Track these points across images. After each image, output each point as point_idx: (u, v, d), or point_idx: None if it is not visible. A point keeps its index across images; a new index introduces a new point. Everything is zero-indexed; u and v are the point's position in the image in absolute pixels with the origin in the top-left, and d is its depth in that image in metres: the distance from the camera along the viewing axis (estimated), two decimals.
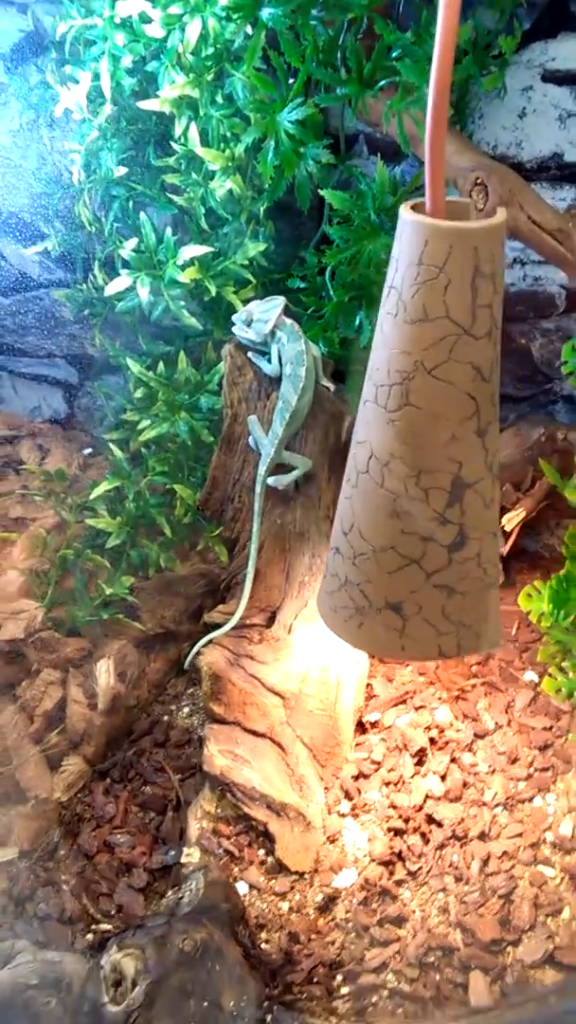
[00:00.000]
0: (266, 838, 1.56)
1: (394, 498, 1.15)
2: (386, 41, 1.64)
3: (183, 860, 1.50)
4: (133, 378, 2.13)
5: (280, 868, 1.54)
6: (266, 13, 1.63)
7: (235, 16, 1.67)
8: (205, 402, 2.03)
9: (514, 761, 1.74)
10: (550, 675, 1.74)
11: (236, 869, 1.53)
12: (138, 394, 2.10)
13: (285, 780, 1.63)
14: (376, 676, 1.90)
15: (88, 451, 2.71)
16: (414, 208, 1.00)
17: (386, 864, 1.57)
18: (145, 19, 1.74)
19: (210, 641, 1.76)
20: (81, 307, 2.34)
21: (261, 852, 1.55)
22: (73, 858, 1.62)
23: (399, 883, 1.55)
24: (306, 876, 1.55)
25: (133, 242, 1.96)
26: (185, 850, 1.52)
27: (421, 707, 1.84)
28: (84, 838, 1.64)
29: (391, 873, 1.56)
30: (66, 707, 1.78)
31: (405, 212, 1.02)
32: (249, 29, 1.70)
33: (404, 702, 1.86)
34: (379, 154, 2.14)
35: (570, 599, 1.72)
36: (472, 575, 1.22)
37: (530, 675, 1.90)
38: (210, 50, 1.75)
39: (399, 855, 1.58)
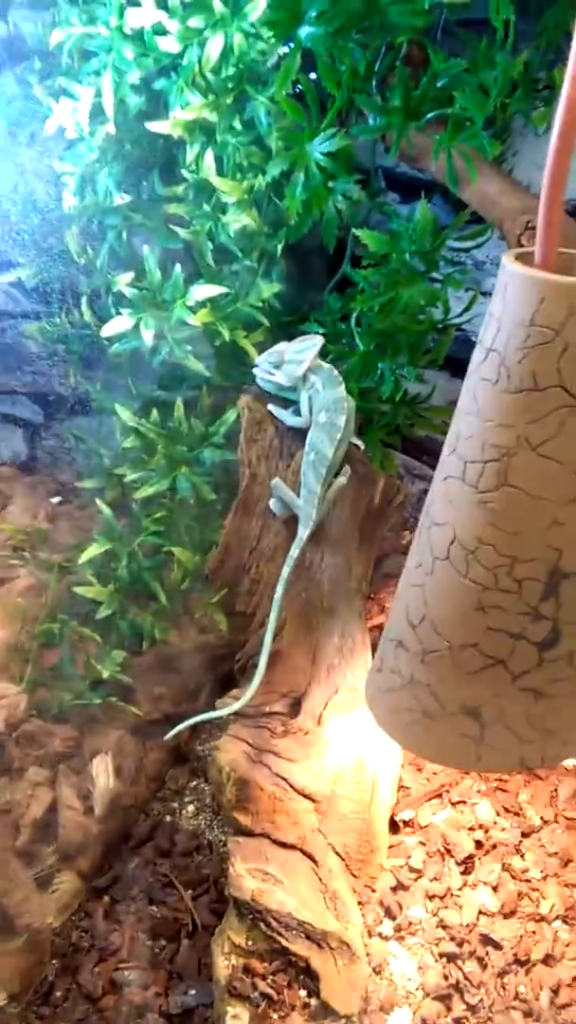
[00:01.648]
0: (307, 975, 1.34)
1: (481, 590, 0.99)
2: (434, 68, 1.48)
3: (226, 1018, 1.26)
4: (120, 425, 1.91)
5: (326, 1011, 1.32)
6: (305, 32, 1.45)
7: (268, 34, 1.49)
8: (209, 456, 1.82)
9: (567, 863, 1.57)
10: None
11: (276, 1016, 1.30)
12: (127, 443, 1.88)
13: (319, 899, 1.42)
14: (404, 765, 1.71)
15: (57, 499, 2.47)
16: (519, 259, 0.85)
17: (443, 999, 1.37)
18: (160, 31, 1.55)
19: (214, 724, 1.55)
20: (54, 343, 2.12)
21: (303, 992, 1.33)
22: (73, 1001, 1.37)
23: (459, 1021, 1.34)
24: (354, 1019, 1.33)
25: (128, 276, 1.75)
26: (227, 1009, 1.27)
27: (460, 802, 1.65)
28: (86, 975, 1.39)
29: (448, 1008, 1.36)
30: (57, 813, 1.53)
31: (512, 264, 0.86)
32: (281, 50, 1.52)
33: (439, 796, 1.67)
34: (398, 192, 2.00)
35: None
36: (562, 676, 1.05)
37: (571, 760, 1.73)
38: (231, 70, 1.57)
39: (456, 986, 1.38)
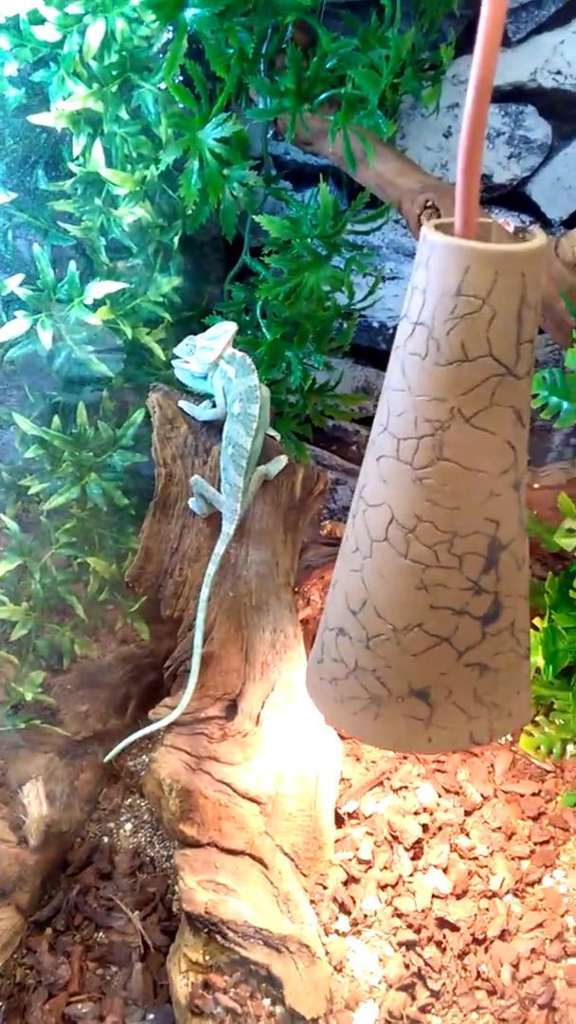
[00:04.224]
0: (269, 983, 1.29)
1: (422, 568, 0.97)
2: (324, 49, 1.46)
3: None
4: (19, 435, 1.83)
5: (292, 1017, 1.27)
6: (190, 14, 1.41)
7: (151, 18, 1.44)
8: (119, 459, 1.75)
9: (511, 836, 1.58)
10: (527, 732, 1.60)
11: None
12: (29, 453, 1.79)
13: (272, 904, 1.38)
14: (342, 756, 1.68)
15: None
16: (438, 229, 0.84)
17: (406, 988, 1.35)
18: (36, 19, 1.48)
19: (147, 740, 1.49)
20: None
21: (267, 1001, 1.28)
22: None
23: (424, 1009, 1.33)
24: (321, 1021, 1.29)
25: (18, 278, 1.67)
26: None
27: (401, 788, 1.64)
28: (36, 1015, 1.31)
29: (413, 997, 1.35)
30: None
31: (434, 235, 0.85)
32: (165, 35, 1.48)
33: (381, 784, 1.66)
34: (288, 179, 1.98)
35: (559, 651, 1.59)
36: (505, 648, 1.06)
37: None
38: (114, 57, 1.51)
39: (418, 974, 1.37)
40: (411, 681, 1.03)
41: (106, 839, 1.59)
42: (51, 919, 1.45)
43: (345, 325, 1.80)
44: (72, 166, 1.59)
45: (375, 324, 2.10)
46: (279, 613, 1.56)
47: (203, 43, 1.45)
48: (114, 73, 1.52)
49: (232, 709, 1.54)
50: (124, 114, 1.56)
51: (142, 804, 1.66)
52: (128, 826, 1.62)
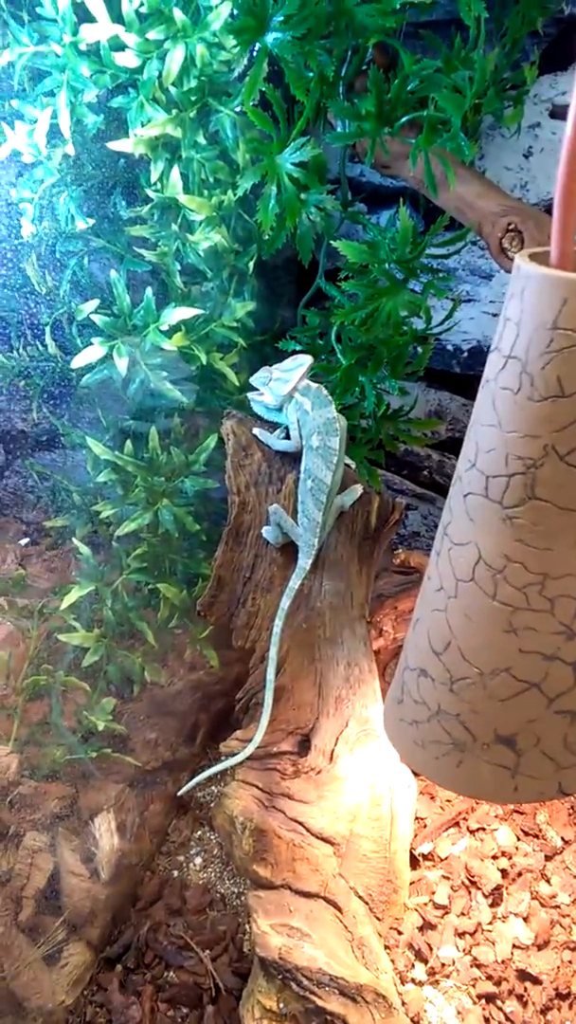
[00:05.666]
0: None
1: (511, 611, 0.94)
2: (406, 70, 1.43)
3: None
4: (92, 459, 1.82)
5: None
6: (271, 38, 1.39)
7: (231, 43, 1.42)
8: (190, 485, 1.73)
9: None
10: None
11: None
12: (102, 477, 1.78)
13: (347, 950, 1.33)
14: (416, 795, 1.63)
15: (25, 541, 2.36)
16: (532, 259, 0.81)
17: None
18: (117, 46, 1.47)
19: (218, 773, 1.46)
20: (14, 377, 2.02)
21: None
22: None
23: None
24: None
25: (94, 304, 1.67)
26: None
27: (478, 829, 1.58)
28: None
29: None
30: (60, 880, 1.42)
31: (528, 265, 0.81)
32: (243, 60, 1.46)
33: (457, 825, 1.60)
34: (363, 202, 1.95)
35: None
36: None
37: None
38: (193, 83, 1.50)
39: None
40: (497, 727, 0.99)
41: (176, 873, 1.56)
42: (121, 956, 1.42)
43: (420, 350, 1.76)
44: (149, 192, 1.59)
45: (449, 347, 2.06)
46: (353, 646, 1.52)
47: (283, 67, 1.43)
48: (193, 98, 1.51)
49: (304, 744, 1.50)
50: (202, 139, 1.55)
51: (212, 837, 1.63)
52: (198, 860, 1.59)
